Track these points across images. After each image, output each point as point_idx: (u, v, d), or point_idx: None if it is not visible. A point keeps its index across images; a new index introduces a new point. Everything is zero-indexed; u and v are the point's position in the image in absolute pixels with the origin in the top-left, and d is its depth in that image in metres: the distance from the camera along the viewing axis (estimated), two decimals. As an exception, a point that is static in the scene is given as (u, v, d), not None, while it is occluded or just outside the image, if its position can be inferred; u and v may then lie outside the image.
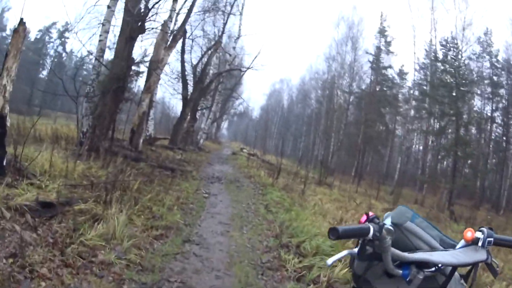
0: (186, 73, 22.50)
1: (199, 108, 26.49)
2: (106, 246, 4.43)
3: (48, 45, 49.08)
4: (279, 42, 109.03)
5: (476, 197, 27.85)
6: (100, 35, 11.58)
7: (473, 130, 31.82)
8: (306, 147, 52.96)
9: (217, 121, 44.21)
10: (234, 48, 29.60)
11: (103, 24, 11.68)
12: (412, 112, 36.88)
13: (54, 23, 47.16)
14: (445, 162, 33.77)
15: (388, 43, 37.46)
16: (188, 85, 22.44)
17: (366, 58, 38.30)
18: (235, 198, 9.86)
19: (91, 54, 11.95)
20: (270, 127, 62.28)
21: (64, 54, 48.15)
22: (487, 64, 32.11)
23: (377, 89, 37.18)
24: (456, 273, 1.46)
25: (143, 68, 13.43)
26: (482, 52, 31.80)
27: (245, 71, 28.56)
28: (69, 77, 11.92)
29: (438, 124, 32.06)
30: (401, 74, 38.49)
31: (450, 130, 29.45)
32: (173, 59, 24.60)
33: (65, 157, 7.74)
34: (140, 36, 11.25)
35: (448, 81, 29.09)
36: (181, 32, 14.68)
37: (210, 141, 39.27)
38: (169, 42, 14.22)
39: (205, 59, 24.43)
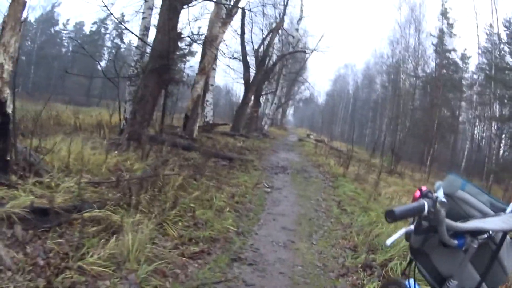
0: (247, 55, 20.99)
1: (262, 93, 25.05)
2: (115, 273, 3.06)
3: (104, 37, 49.56)
4: (342, 26, 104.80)
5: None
6: (143, 12, 10.38)
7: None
8: (373, 133, 51.35)
9: (282, 106, 42.79)
10: (297, 30, 27.78)
11: (145, 0, 10.43)
12: (475, 97, 34.65)
13: (109, 14, 47.21)
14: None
15: (450, 25, 35.11)
16: (250, 68, 20.97)
17: (430, 41, 36.34)
18: (302, 192, 8.24)
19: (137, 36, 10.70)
20: (336, 113, 61.34)
21: (122, 45, 48.00)
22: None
23: (442, 72, 35.00)
24: (507, 237, 1.42)
25: (197, 47, 12.09)
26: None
27: (310, 53, 26.77)
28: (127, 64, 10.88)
29: (502, 110, 29.79)
30: (464, 58, 36.12)
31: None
32: (229, 37, 23.68)
33: (100, 147, 6.50)
34: (188, 9, 9.85)
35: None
36: (236, 7, 13.07)
37: (275, 127, 37.89)
38: (223, 19, 12.74)
39: (266, 42, 22.79)
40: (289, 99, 44.13)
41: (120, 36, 47.54)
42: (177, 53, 10.89)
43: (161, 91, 9.72)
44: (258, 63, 21.03)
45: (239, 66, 21.99)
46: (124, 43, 48.45)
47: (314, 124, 64.14)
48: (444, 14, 34.91)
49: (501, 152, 30.17)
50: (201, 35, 11.27)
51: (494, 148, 29.99)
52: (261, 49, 22.49)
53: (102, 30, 49.18)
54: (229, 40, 42.66)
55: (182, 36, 10.26)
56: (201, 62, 12.49)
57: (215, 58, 13.34)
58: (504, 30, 28.67)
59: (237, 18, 21.68)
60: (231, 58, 14.57)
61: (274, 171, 10.61)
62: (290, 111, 65.58)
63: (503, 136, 29.75)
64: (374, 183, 10.42)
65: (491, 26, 32.58)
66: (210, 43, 12.04)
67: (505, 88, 27.33)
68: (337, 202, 7.66)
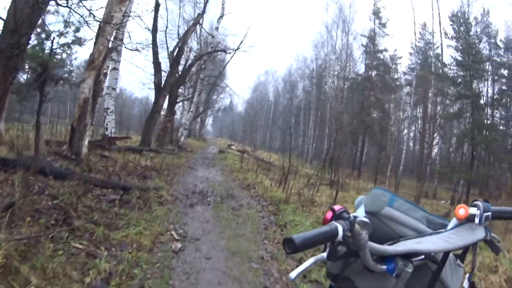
0: (158, 54, 17.79)
1: (178, 100, 21.94)
2: None
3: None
4: (263, 32, 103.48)
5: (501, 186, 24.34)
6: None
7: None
8: (296, 139, 50.89)
9: (201, 116, 39.88)
10: (217, 29, 25.08)
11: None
12: (413, 97, 35.47)
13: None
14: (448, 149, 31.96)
15: (383, 25, 35.08)
16: (163, 72, 17.80)
17: (359, 42, 36.59)
18: (234, 243, 5.34)
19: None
20: (256, 121, 60.11)
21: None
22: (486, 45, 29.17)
23: (372, 73, 35.01)
24: (450, 254, 1.25)
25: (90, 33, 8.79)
26: (480, 33, 28.65)
27: (233, 53, 24.00)
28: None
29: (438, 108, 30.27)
30: (394, 58, 36.42)
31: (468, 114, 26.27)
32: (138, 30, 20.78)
33: None
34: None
35: (460, 58, 26.92)
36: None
37: (193, 139, 34.82)
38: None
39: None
40: (208, 107, 41.34)
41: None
42: (44, 29, 7.57)
43: (8, 83, 6.38)
44: (172, 63, 17.87)
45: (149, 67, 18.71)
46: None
47: (234, 133, 62.99)
48: (376, 13, 34.48)
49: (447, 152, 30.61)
50: (89, 10, 7.87)
51: (439, 148, 30.80)
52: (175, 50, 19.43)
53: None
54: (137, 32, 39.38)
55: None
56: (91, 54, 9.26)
57: (109, 48, 10.02)
58: (451, 25, 28.20)
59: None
60: (134, 51, 11.55)
61: (190, 202, 7.59)
62: (209, 120, 63.72)
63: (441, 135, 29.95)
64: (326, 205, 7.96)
65: (425, 25, 34.07)
66: (104, 25, 8.88)
67: (453, 85, 26.94)
68: (296, 260, 4.83)
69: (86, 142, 9.04)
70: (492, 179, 24.38)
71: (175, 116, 24.02)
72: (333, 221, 1.13)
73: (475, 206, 1.24)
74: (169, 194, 7.94)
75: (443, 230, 1.26)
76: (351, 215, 1.17)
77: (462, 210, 1.23)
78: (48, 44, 7.75)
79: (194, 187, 9.55)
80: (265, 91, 67.30)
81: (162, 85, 16.79)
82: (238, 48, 22.41)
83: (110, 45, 9.88)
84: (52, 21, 7.95)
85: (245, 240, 5.58)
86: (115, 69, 14.20)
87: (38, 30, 7.75)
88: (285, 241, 1.05)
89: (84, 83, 8.91)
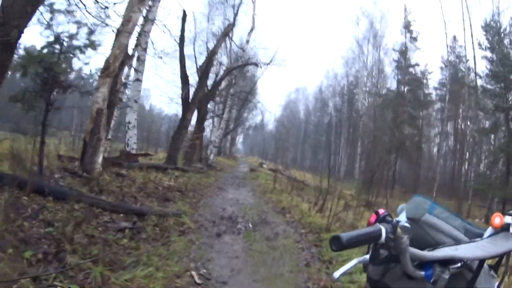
0: (186, 68, 16.79)
1: (207, 117, 20.96)
2: None
3: None
4: (294, 49, 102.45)
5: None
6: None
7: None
8: (327, 157, 48.98)
9: (231, 133, 38.87)
10: (247, 42, 24.07)
11: None
12: (437, 113, 35.08)
13: None
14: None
15: (414, 39, 33.51)
16: (190, 86, 16.81)
17: (390, 57, 35.69)
18: (271, 286, 4.14)
19: None
20: (287, 139, 59.30)
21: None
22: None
23: (404, 89, 33.52)
24: (485, 264, 1.24)
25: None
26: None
27: (265, 66, 22.79)
28: None
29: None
30: (424, 73, 34.46)
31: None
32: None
33: None
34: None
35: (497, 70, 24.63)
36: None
37: (223, 157, 33.62)
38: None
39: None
40: (239, 125, 40.34)
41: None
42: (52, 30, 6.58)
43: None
44: (200, 76, 16.87)
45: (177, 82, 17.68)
46: None
47: (265, 152, 61.69)
48: (407, 27, 33.11)
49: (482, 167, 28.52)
50: (105, 8, 6.88)
51: (471, 163, 28.86)
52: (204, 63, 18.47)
53: None
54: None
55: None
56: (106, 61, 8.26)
57: (128, 55, 9.00)
58: (484, 35, 26.16)
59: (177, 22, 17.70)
60: (159, 57, 10.66)
61: (217, 230, 6.37)
62: (239, 138, 63.24)
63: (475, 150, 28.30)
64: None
65: (455, 38, 32.28)
66: (121, 27, 7.89)
67: (490, 98, 25.02)
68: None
69: (100, 159, 7.99)
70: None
71: (204, 133, 23.02)
72: (377, 223, 1.18)
73: (510, 215, 1.21)
74: (193, 220, 6.76)
75: (479, 239, 1.26)
76: (394, 219, 1.24)
77: (497, 219, 1.21)
78: (57, 46, 6.66)
79: (222, 211, 8.34)
80: (296, 109, 66.50)
81: (190, 100, 15.77)
82: (270, 62, 21.27)
83: (129, 51, 8.87)
84: (62, 20, 6.85)
85: (284, 282, 4.35)
86: (138, 80, 13.22)
87: (47, 30, 6.72)
88: (332, 239, 1.10)
89: (98, 92, 7.90)
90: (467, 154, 28.47)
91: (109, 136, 12.63)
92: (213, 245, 5.43)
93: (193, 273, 4.12)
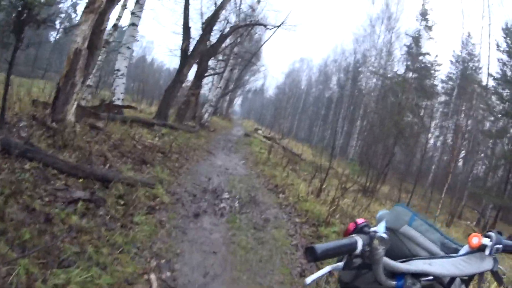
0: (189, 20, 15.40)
1: (206, 74, 19.68)
2: None
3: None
4: (304, 18, 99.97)
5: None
6: None
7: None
8: (323, 131, 51.10)
9: (230, 94, 37.69)
10: (258, 1, 22.50)
11: None
12: (439, 106, 34.80)
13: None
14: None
15: (429, 28, 32.11)
16: (192, 39, 15.49)
17: (402, 41, 34.56)
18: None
19: None
20: (286, 108, 58.12)
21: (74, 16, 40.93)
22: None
23: (412, 76, 32.25)
24: (457, 278, 1.27)
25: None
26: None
27: (274, 29, 21.36)
28: None
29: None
30: (433, 64, 33.41)
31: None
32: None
33: None
34: None
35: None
36: None
37: (218, 117, 32.44)
38: None
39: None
40: (239, 86, 39.09)
41: (74, 6, 40.30)
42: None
43: None
44: (204, 28, 15.51)
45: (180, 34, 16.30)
46: (76, 13, 41.59)
47: (262, 117, 60.95)
48: (424, 14, 31.66)
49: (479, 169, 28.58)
50: None
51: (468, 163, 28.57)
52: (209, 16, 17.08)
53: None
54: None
55: None
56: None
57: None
58: (503, 37, 24.75)
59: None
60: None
61: (195, 209, 5.33)
62: (238, 100, 62.40)
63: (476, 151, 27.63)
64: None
65: (469, 34, 32.12)
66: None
67: (502, 102, 24.04)
68: None
69: (73, 107, 6.84)
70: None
71: (202, 91, 21.82)
72: (354, 235, 1.17)
73: (488, 237, 1.23)
74: (170, 191, 5.73)
75: (454, 255, 1.26)
76: (372, 229, 1.22)
77: (475, 239, 1.23)
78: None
79: (207, 181, 7.34)
80: (298, 79, 65.44)
81: (189, 53, 14.52)
82: (281, 25, 19.89)
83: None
84: None
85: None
86: (133, 24, 11.91)
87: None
88: (307, 250, 1.11)
89: (78, 30, 6.71)
90: (465, 152, 27.61)
91: (90, 82, 11.44)
92: (187, 231, 4.43)
93: (152, 277, 3.09)
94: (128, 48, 11.86)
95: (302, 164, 13.30)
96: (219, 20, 17.48)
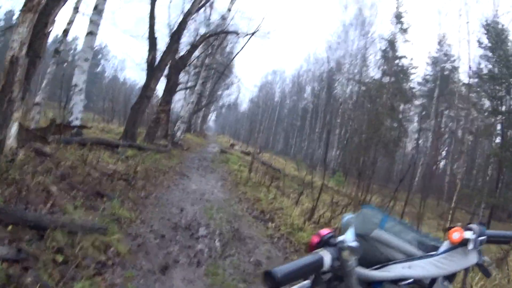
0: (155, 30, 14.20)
1: (177, 89, 18.52)
2: None
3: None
4: (276, 29, 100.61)
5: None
6: None
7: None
8: (300, 143, 51.64)
9: (204, 110, 36.61)
10: (229, 10, 21.50)
11: None
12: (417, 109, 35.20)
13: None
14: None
15: (404, 30, 32.23)
16: (159, 51, 14.28)
17: (376, 46, 34.76)
18: None
19: None
20: (260, 121, 59.34)
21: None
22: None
23: (389, 80, 31.96)
24: (440, 277, 1.17)
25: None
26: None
27: (247, 38, 20.48)
28: None
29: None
30: (409, 67, 33.71)
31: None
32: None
33: None
34: None
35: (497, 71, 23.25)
36: None
37: (193, 134, 31.15)
38: None
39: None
40: (212, 101, 38.04)
41: None
42: None
43: None
44: (171, 37, 14.28)
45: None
46: None
47: (237, 132, 60.58)
48: (398, 17, 31.57)
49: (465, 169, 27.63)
50: None
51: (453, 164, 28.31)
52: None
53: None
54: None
55: None
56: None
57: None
58: (484, 34, 24.26)
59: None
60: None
61: (162, 258, 4.02)
62: (211, 116, 62.17)
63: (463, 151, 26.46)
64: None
65: (444, 36, 32.91)
66: None
67: (488, 99, 24.07)
68: None
69: (12, 130, 5.54)
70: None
71: (173, 107, 20.61)
72: (319, 250, 1.04)
73: (470, 229, 1.15)
74: (130, 233, 4.45)
75: (434, 253, 1.16)
76: (339, 239, 1.09)
77: (456, 234, 1.14)
78: None
79: (179, 213, 6.08)
80: (272, 91, 66.30)
81: (155, 65, 13.31)
82: (254, 32, 18.96)
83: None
84: None
85: None
86: (91, 33, 10.61)
87: None
88: (264, 275, 0.94)
89: (15, 33, 5.45)
90: (450, 154, 27.26)
91: (39, 99, 10.07)
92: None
93: None
94: (86, 60, 10.55)
95: (285, 180, 12.16)
96: (188, 31, 16.45)
